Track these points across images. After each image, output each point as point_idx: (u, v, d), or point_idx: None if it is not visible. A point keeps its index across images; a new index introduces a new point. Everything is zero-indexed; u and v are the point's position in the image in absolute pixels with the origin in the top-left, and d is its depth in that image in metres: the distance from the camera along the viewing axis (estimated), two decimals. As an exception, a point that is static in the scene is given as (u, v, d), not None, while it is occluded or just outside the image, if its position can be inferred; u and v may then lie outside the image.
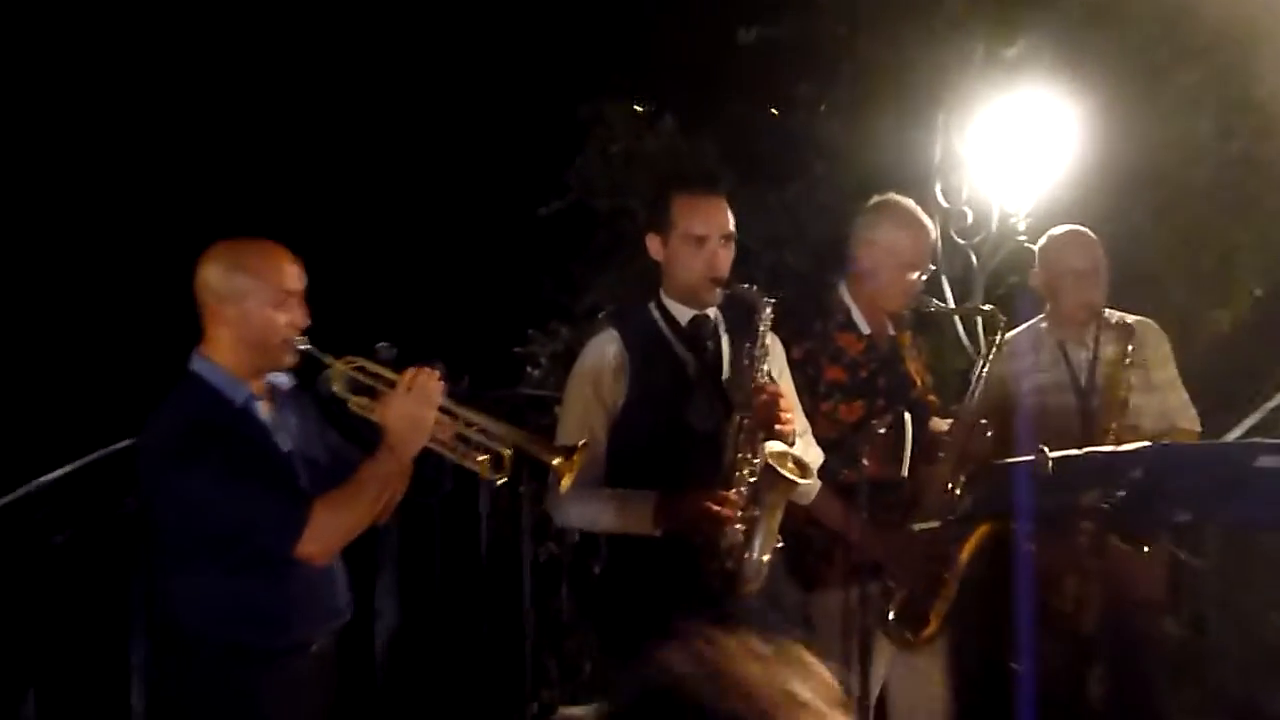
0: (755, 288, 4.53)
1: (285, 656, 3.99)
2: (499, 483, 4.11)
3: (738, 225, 4.60)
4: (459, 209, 11.71)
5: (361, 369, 4.04)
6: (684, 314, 4.62)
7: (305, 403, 4.15)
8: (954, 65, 7.69)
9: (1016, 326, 5.28)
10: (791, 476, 4.35)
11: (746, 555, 4.37)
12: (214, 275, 3.96)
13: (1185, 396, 5.48)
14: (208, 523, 3.86)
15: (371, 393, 4.02)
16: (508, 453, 4.04)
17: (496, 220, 11.10)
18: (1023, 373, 5.48)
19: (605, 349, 4.58)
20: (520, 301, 9.67)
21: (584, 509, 4.51)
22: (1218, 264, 8.67)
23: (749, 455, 4.41)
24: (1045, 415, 5.42)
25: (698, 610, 4.38)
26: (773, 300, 4.50)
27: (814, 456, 4.72)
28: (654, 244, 4.60)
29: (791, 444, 4.45)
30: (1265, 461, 4.38)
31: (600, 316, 5.47)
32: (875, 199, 5.24)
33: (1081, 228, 5.53)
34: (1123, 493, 4.29)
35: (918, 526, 4.90)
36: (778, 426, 4.42)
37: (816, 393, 5.01)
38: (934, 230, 5.26)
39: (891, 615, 4.99)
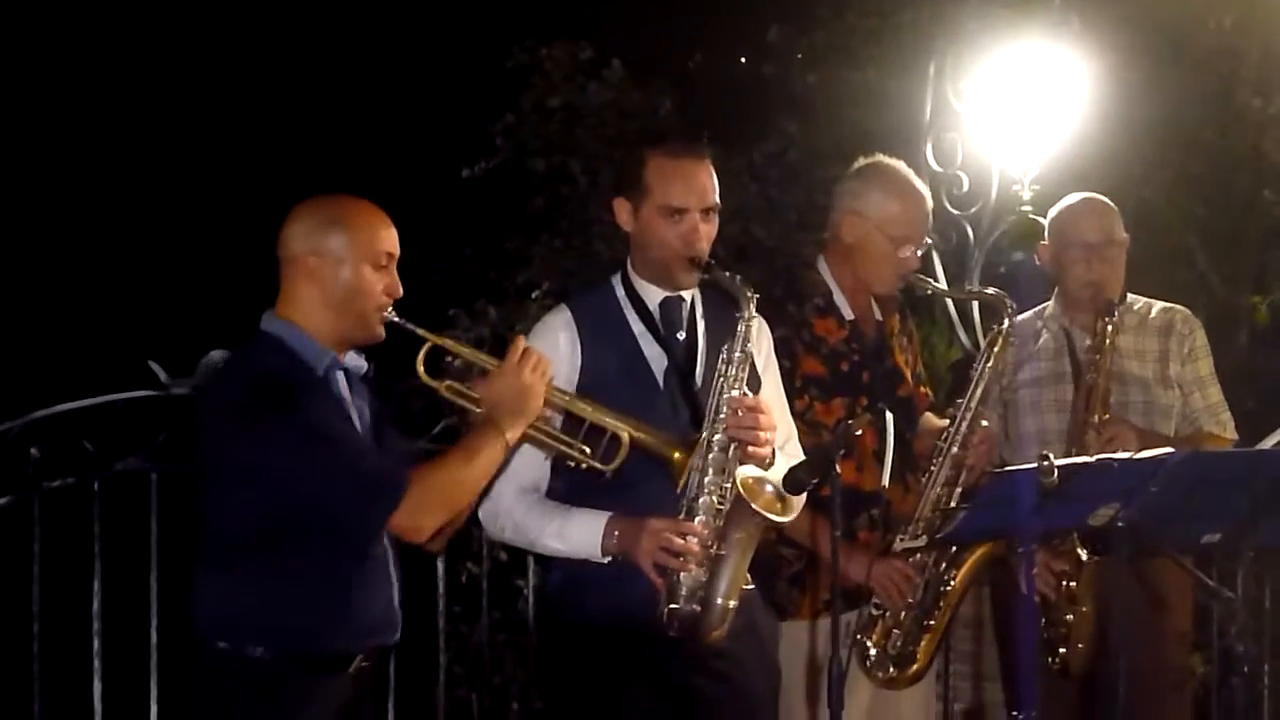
0: (739, 277, 4.46)
1: (323, 675, 4.02)
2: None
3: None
4: (366, 169, 11.63)
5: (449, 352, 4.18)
6: (654, 295, 4.58)
7: (367, 393, 4.21)
8: (949, 5, 7.71)
9: (1019, 311, 5.29)
10: (766, 512, 4.31)
11: (710, 599, 4.34)
12: (306, 230, 4.08)
13: (1217, 398, 5.47)
14: (278, 496, 3.91)
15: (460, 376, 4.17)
16: (626, 438, 4.21)
17: (412, 183, 11.05)
18: (1021, 362, 5.50)
19: (555, 333, 4.53)
20: (441, 277, 9.64)
21: (524, 522, 4.48)
22: (1258, 243, 8.72)
23: (719, 479, 4.38)
24: (1041, 411, 5.46)
25: (654, 658, 4.39)
26: (758, 295, 4.46)
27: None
28: (622, 210, 4.55)
29: (770, 465, 4.41)
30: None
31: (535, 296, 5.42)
32: (860, 162, 5.21)
33: (1099, 196, 5.54)
34: (1141, 508, 4.29)
35: (900, 546, 4.89)
36: (753, 448, 4.38)
37: (791, 388, 4.95)
38: (929, 199, 5.27)
39: (872, 649, 4.99)
